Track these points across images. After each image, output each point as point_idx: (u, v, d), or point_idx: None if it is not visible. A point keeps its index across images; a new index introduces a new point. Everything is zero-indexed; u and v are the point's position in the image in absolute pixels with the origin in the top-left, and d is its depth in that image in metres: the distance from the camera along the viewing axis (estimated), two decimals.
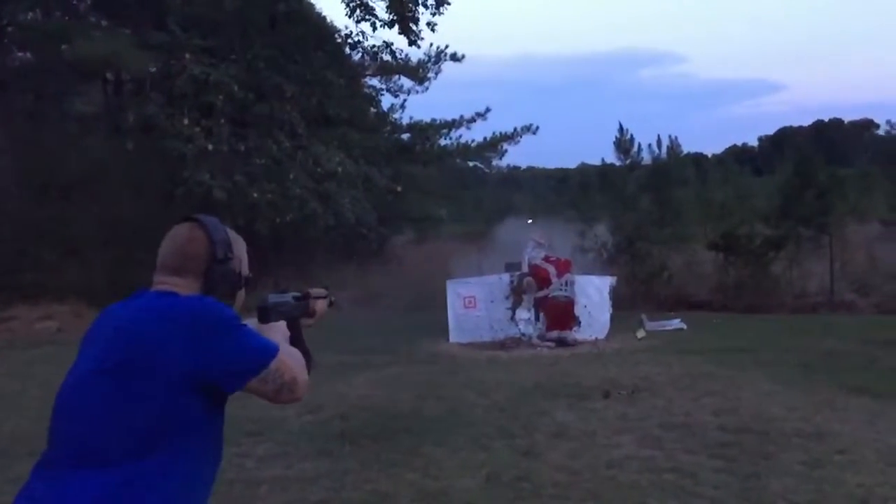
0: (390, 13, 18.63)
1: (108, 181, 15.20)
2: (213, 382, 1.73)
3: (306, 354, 2.00)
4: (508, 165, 26.40)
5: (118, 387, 1.68)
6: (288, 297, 2.13)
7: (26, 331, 12.86)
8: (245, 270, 1.97)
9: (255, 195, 15.21)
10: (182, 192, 14.86)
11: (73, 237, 14.64)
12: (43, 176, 14.90)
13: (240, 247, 1.97)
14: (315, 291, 2.25)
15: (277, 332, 2.01)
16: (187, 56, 15.26)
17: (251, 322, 2.07)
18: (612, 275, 12.40)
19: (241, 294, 1.98)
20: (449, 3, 18.58)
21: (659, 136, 19.12)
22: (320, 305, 2.25)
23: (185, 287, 1.84)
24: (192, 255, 1.87)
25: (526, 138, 22.51)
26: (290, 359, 1.83)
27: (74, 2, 18.20)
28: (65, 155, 15.34)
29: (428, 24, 18.76)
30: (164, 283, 1.86)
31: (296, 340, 2.04)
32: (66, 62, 15.61)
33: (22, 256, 14.12)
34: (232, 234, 1.95)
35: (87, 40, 15.04)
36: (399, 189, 18.78)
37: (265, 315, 2.00)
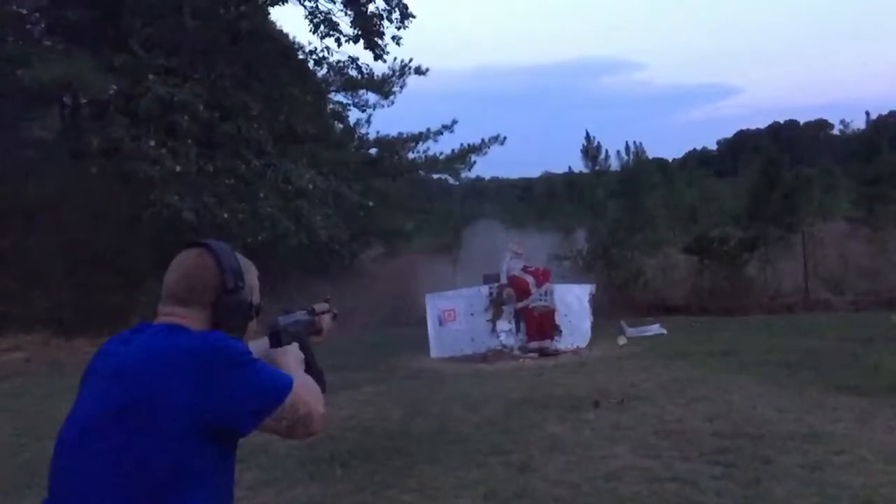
0: (355, 28, 18.54)
1: (71, 207, 14.86)
2: (224, 425, 1.61)
3: (319, 375, 1.92)
4: (477, 176, 26.49)
5: (122, 433, 1.55)
6: (296, 316, 2.05)
7: None
8: (256, 299, 1.84)
9: (226, 216, 14.96)
10: (149, 215, 14.56)
11: (36, 265, 14.26)
12: (2, 204, 14.51)
13: (251, 274, 1.84)
14: (319, 307, 2.18)
15: (292, 356, 1.91)
16: (150, 77, 14.99)
17: (262, 346, 1.96)
18: (588, 282, 12.39)
19: (253, 324, 1.85)
20: (414, 17, 18.56)
21: (627, 142, 19.29)
22: (326, 321, 2.18)
23: (193, 319, 1.71)
24: (199, 284, 1.73)
25: (489, 150, 22.55)
26: (305, 391, 1.71)
27: (28, 26, 17.84)
28: (24, 182, 14.97)
29: (393, 37, 18.72)
30: (169, 314, 1.72)
31: (308, 361, 1.94)
32: (21, 87, 15.24)
33: None
34: (243, 261, 1.82)
35: (45, 64, 14.70)
36: (371, 204, 18.63)
37: (277, 339, 1.91)
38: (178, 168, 14.74)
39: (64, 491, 1.60)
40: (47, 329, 13.33)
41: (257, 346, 1.96)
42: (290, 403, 1.65)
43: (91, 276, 14.14)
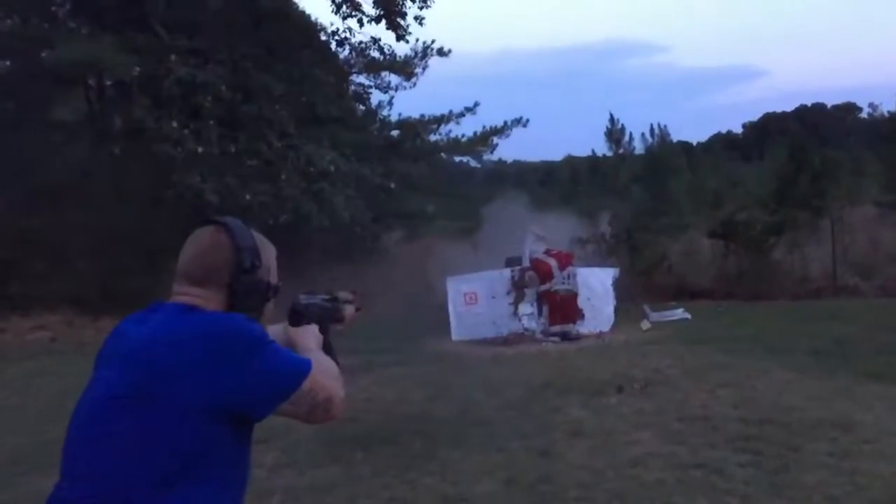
0: (377, 8, 18.42)
1: (95, 188, 14.96)
2: (240, 409, 1.55)
3: (335, 361, 1.85)
4: (499, 159, 26.33)
5: (136, 416, 1.50)
6: (318, 298, 2.00)
7: (19, 343, 12.60)
8: (274, 279, 1.77)
9: (248, 197, 14.98)
10: (172, 196, 14.61)
11: (61, 246, 14.38)
12: (28, 185, 14.64)
13: (268, 253, 1.77)
14: (343, 295, 2.12)
15: (311, 336, 1.86)
16: (173, 58, 15.00)
17: (280, 327, 1.92)
18: (612, 266, 12.26)
19: (270, 305, 1.78)
20: None
21: (652, 125, 19.06)
22: (349, 311, 2.11)
23: (208, 299, 1.65)
24: (215, 263, 1.67)
25: (511, 132, 22.37)
26: (323, 375, 1.65)
27: (53, 8, 17.88)
28: (50, 163, 15.08)
29: (416, 17, 18.59)
30: (184, 294, 1.66)
31: (326, 346, 1.89)
32: (46, 69, 15.32)
33: (9, 267, 13.86)
34: (260, 240, 1.75)
35: (69, 45, 14.75)
36: (392, 186, 18.58)
37: (297, 318, 1.88)
38: (200, 149, 14.78)
39: (75, 474, 1.56)
40: (72, 309, 13.46)
41: (275, 327, 1.91)
42: (307, 388, 1.59)
43: (115, 257, 14.24)
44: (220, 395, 1.52)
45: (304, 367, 1.62)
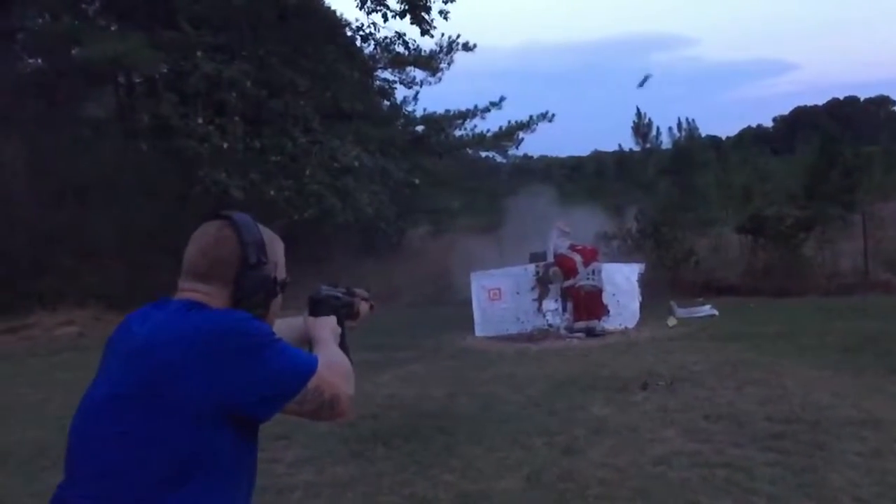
0: (402, 3, 18.37)
1: (124, 184, 15.11)
2: (243, 410, 1.53)
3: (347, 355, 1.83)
4: (525, 154, 26.22)
5: (138, 416, 1.48)
6: (338, 291, 2.00)
7: (47, 337, 12.78)
8: (281, 275, 1.74)
9: (272, 193, 15.06)
10: (198, 192, 14.73)
11: (90, 241, 14.55)
12: (58, 181, 14.82)
13: (276, 248, 1.73)
14: (359, 291, 2.10)
15: (328, 327, 1.85)
16: (199, 54, 15.10)
17: (289, 323, 1.91)
18: (637, 262, 12.11)
19: (278, 300, 1.74)
20: None
21: (679, 119, 18.87)
22: (364, 308, 2.09)
23: (213, 295, 1.62)
24: (220, 258, 1.64)
25: (537, 127, 22.26)
26: (330, 372, 1.62)
27: (83, 5, 18.09)
28: (79, 159, 15.26)
29: (440, 12, 18.50)
30: (189, 290, 1.64)
31: (340, 342, 1.87)
32: (77, 66, 15.51)
33: (39, 262, 14.05)
34: (267, 235, 1.71)
35: (98, 42, 14.91)
36: (417, 182, 18.57)
37: (317, 307, 1.89)
38: (225, 145, 14.87)
39: (78, 474, 1.54)
40: (99, 304, 13.60)
41: (286, 322, 1.88)
42: (313, 387, 1.56)
43: (142, 253, 14.38)
44: (223, 395, 1.49)
45: (309, 367, 1.58)
